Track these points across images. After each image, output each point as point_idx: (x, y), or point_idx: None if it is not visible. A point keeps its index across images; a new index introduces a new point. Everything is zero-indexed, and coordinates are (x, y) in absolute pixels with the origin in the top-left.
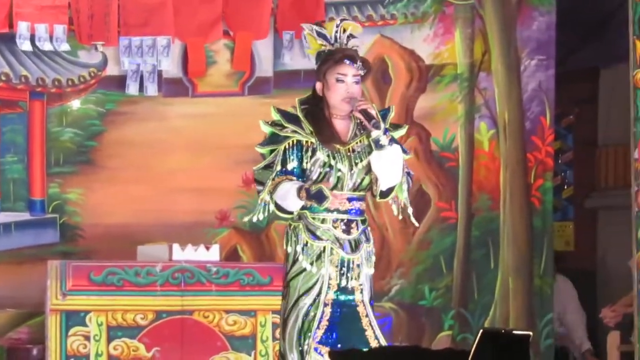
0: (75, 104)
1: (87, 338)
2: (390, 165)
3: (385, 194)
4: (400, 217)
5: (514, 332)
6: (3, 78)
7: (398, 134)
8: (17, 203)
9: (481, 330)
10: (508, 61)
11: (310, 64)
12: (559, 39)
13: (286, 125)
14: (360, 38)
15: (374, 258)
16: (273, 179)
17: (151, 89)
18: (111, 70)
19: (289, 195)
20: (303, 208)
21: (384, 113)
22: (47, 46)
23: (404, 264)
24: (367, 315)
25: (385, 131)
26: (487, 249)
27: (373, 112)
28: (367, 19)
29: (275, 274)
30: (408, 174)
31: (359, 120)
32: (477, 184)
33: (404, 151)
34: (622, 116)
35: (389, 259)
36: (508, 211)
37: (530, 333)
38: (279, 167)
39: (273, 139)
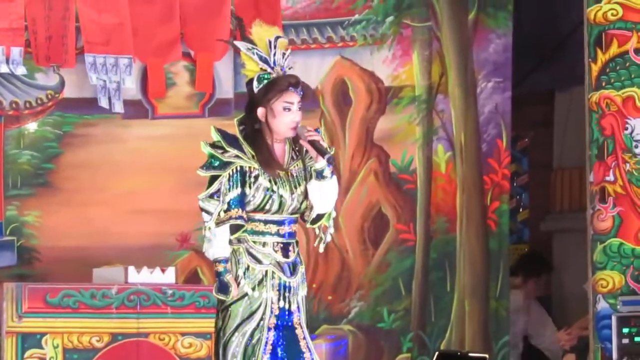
0: (32, 126)
1: None
2: (328, 195)
3: (315, 221)
4: (319, 244)
5: (470, 354)
6: None
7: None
8: None
9: (437, 353)
10: (465, 83)
11: None
12: (514, 61)
13: (227, 148)
14: (321, 59)
15: (305, 281)
16: (220, 212)
17: (118, 106)
18: (69, 92)
19: (211, 248)
20: (244, 231)
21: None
22: (3, 68)
23: (363, 286)
24: (304, 338)
25: (329, 164)
26: (444, 271)
27: (323, 144)
28: (327, 40)
29: None
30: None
31: (297, 147)
32: (434, 206)
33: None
34: (577, 139)
35: (349, 281)
36: (464, 233)
37: (486, 356)
38: (227, 197)
39: (215, 164)
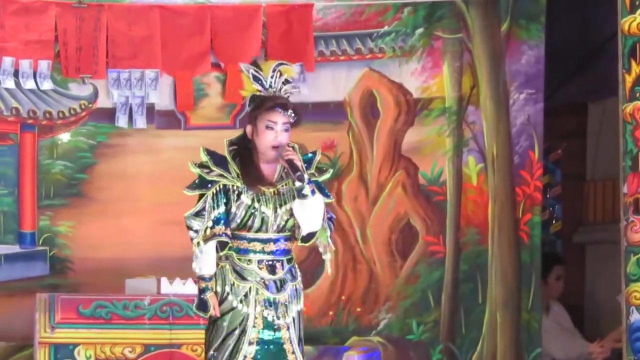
0: (66, 136)
1: None
2: (311, 213)
3: (306, 239)
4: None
5: None
6: None
7: (323, 178)
8: (7, 236)
9: None
10: (496, 95)
11: (300, 97)
12: (546, 72)
13: (213, 168)
14: (349, 71)
15: (302, 295)
16: (206, 229)
17: (140, 122)
18: (102, 102)
19: (199, 264)
20: (230, 249)
21: (310, 158)
22: (29, 84)
23: (392, 297)
24: (293, 352)
25: (309, 182)
26: (475, 283)
27: (298, 163)
28: (355, 52)
29: None
30: (330, 219)
31: (284, 166)
32: (465, 218)
33: (327, 195)
34: (610, 150)
35: (377, 293)
36: (496, 245)
37: None
38: (212, 215)
39: (200, 184)
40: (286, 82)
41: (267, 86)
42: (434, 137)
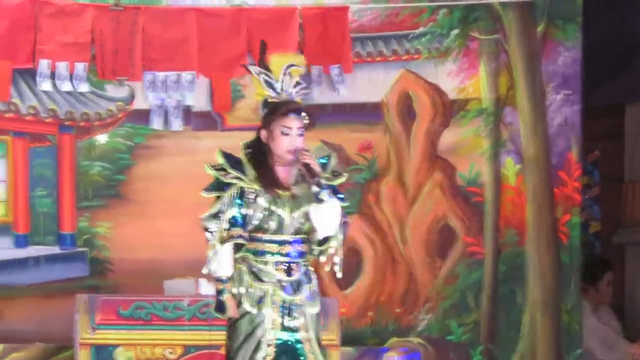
0: (103, 137)
1: None
2: (328, 217)
3: (321, 243)
4: (328, 267)
5: None
6: (31, 112)
7: (338, 181)
8: (47, 237)
9: None
10: (533, 96)
11: (337, 98)
12: (583, 73)
13: (229, 170)
14: (386, 72)
15: (318, 297)
16: (222, 231)
17: (176, 124)
18: (139, 104)
19: (214, 266)
20: (247, 250)
21: (325, 162)
22: (65, 86)
23: (431, 298)
24: (313, 353)
25: (326, 187)
26: (514, 284)
27: (316, 168)
28: (392, 53)
29: None
30: (344, 223)
31: (301, 170)
32: (503, 219)
33: (342, 199)
34: None
35: (416, 294)
36: (535, 246)
37: None
38: (227, 216)
39: (217, 186)
40: (297, 84)
41: (279, 90)
42: (471, 138)
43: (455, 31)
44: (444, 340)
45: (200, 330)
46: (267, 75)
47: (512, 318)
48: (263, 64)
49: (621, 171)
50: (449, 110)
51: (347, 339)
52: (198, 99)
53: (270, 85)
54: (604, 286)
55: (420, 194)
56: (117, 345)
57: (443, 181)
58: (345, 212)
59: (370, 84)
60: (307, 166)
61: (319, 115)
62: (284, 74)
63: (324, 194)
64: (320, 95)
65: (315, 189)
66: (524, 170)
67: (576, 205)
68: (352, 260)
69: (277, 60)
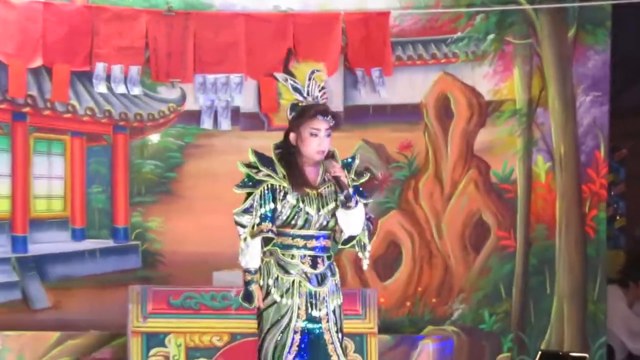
0: (155, 137)
1: (167, 358)
2: (354, 221)
3: (346, 242)
4: (365, 260)
5: (571, 354)
6: (88, 113)
7: (361, 181)
8: (102, 231)
9: (540, 352)
10: (564, 97)
11: (379, 99)
12: (612, 75)
13: (261, 168)
14: (425, 74)
15: (340, 290)
16: (253, 226)
17: (225, 124)
18: (190, 105)
19: (244, 258)
20: (274, 245)
21: (349, 162)
22: (120, 88)
23: (465, 289)
24: (332, 343)
25: (353, 195)
26: (543, 276)
27: (345, 180)
28: (431, 56)
29: (344, 298)
30: (369, 219)
31: (328, 174)
32: (534, 214)
33: (365, 197)
34: None
35: (451, 285)
36: (563, 240)
37: (587, 355)
38: (259, 212)
39: (249, 182)
40: (322, 88)
41: (305, 95)
42: (505, 138)
43: (491, 36)
44: (477, 329)
45: (246, 319)
46: (294, 81)
47: (541, 308)
48: (288, 70)
49: None
50: (484, 111)
51: (386, 328)
52: (246, 100)
53: (297, 90)
54: None
55: (456, 190)
56: (168, 333)
57: (478, 178)
58: (384, 208)
59: (410, 86)
60: (337, 179)
61: (361, 116)
62: (309, 79)
63: (351, 202)
64: (364, 96)
65: (342, 198)
66: (554, 168)
67: (603, 201)
68: (392, 253)
69: (300, 68)
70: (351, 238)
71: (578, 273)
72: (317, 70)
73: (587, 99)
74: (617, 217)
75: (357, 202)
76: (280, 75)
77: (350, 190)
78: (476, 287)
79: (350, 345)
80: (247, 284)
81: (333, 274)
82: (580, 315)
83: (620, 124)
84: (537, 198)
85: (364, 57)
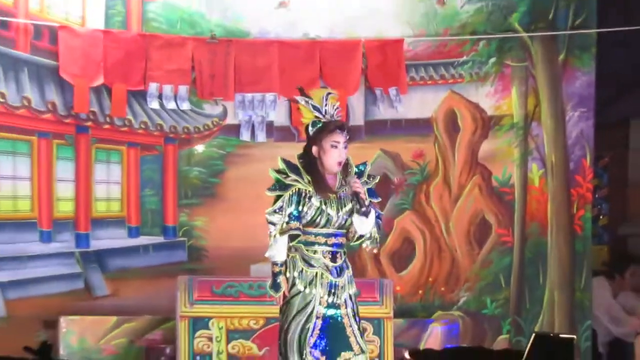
0: (201, 147)
1: (210, 339)
2: (367, 226)
3: (357, 239)
4: (372, 249)
5: (561, 335)
6: (142, 126)
7: (373, 183)
8: (154, 229)
9: (534, 334)
10: (555, 113)
11: (395, 114)
12: (597, 94)
13: (289, 174)
14: (435, 93)
15: (354, 280)
16: (282, 224)
17: (261, 137)
18: (230, 120)
19: (273, 252)
20: (298, 242)
21: (362, 168)
22: (170, 105)
23: (470, 279)
24: (350, 326)
25: (369, 205)
26: (537, 268)
27: (364, 197)
28: (440, 77)
29: (364, 287)
30: (378, 216)
31: (343, 176)
32: (529, 214)
33: (376, 197)
34: None
35: (458, 276)
36: (555, 237)
37: (575, 337)
38: (287, 212)
39: (280, 186)
40: (336, 108)
41: (323, 113)
42: (504, 148)
43: (493, 59)
44: (480, 314)
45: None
46: (313, 102)
47: (535, 296)
48: (305, 94)
49: (626, 175)
50: (487, 124)
51: (402, 312)
52: (279, 116)
53: (317, 109)
54: (628, 276)
55: (463, 193)
56: (211, 317)
57: (481, 183)
58: (399, 209)
59: (422, 103)
60: (357, 195)
61: (380, 129)
62: (325, 99)
63: (367, 211)
64: (383, 112)
65: (361, 210)
66: (546, 174)
67: (588, 203)
68: (407, 248)
69: (315, 93)
70: (361, 237)
71: (567, 265)
72: (331, 93)
73: (575, 114)
74: (601, 217)
75: (370, 211)
76: (300, 98)
77: (367, 202)
78: (479, 278)
79: (369, 328)
80: (275, 275)
81: (348, 267)
82: (568, 302)
83: (603, 136)
84: (531, 200)
85: (382, 78)
